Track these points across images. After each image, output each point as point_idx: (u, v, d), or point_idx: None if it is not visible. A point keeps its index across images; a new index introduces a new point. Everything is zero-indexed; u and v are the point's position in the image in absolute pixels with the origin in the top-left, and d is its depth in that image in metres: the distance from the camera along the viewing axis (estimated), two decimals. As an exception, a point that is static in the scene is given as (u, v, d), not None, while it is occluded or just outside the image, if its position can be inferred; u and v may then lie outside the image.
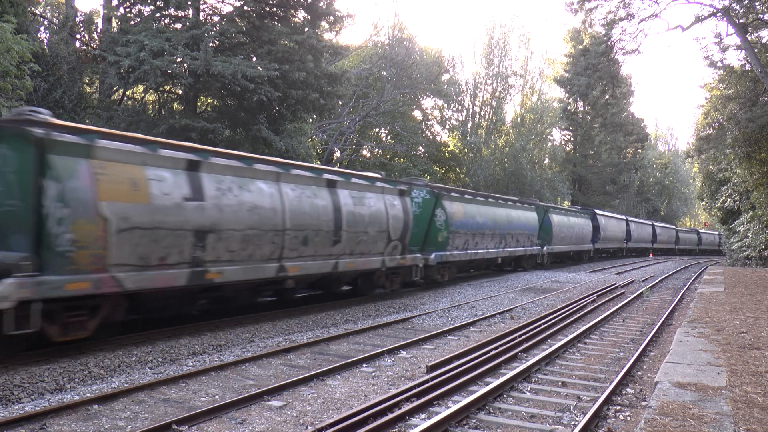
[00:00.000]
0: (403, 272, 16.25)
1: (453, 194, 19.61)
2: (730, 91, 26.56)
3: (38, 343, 8.01)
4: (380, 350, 8.86)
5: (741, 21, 23.37)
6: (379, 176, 15.75)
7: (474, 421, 5.93)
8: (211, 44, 19.39)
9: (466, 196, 21.03)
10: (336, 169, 16.81)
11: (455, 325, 11.29)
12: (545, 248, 27.81)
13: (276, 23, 21.95)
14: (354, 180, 14.17)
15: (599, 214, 37.29)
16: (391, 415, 5.77)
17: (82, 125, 9.67)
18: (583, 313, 13.34)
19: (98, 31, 23.26)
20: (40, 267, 7.54)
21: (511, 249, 23.90)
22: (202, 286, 9.99)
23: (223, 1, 22.40)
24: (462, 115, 45.10)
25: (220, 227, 9.90)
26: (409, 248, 16.14)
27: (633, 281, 22.79)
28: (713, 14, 23.26)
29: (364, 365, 8.16)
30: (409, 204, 16.26)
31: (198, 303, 10.89)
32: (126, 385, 6.89)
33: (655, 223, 55.05)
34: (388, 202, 15.06)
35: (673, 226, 64.06)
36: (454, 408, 5.86)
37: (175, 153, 9.54)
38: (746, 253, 32.66)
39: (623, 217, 44.24)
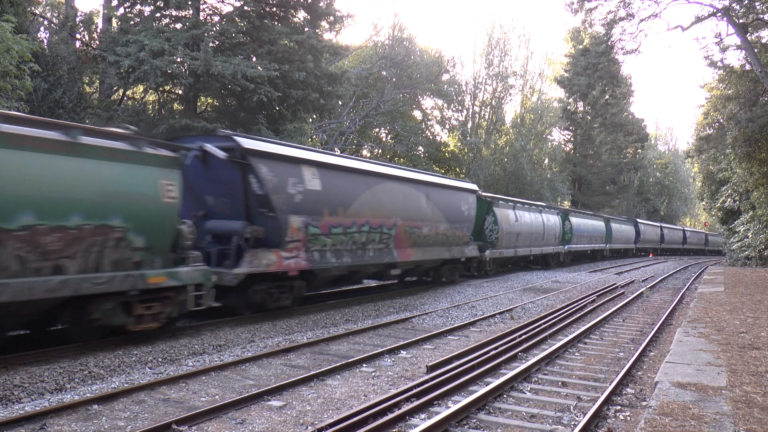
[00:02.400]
0: (557, 256, 30.67)
1: (572, 212, 34.76)
2: (730, 91, 26.56)
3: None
4: (380, 350, 8.85)
5: (741, 21, 23.37)
6: (546, 204, 31.13)
7: (474, 421, 5.92)
8: (211, 44, 19.39)
9: (576, 212, 35.80)
10: (539, 203, 30.22)
11: (455, 325, 11.29)
12: (607, 245, 39.94)
13: (276, 23, 21.95)
14: (545, 208, 29.22)
15: (640, 222, 49.44)
16: (391, 415, 5.77)
17: (492, 195, 24.55)
18: (583, 313, 13.34)
19: (98, 31, 23.27)
20: (486, 247, 21.48)
21: (593, 245, 37.01)
22: (516, 256, 24.65)
23: (223, 1, 22.41)
24: (462, 115, 45.13)
25: (521, 232, 24.24)
26: (568, 242, 31.75)
27: (633, 281, 22.78)
28: (713, 14, 23.26)
29: (364, 365, 8.16)
30: (561, 219, 30.93)
31: (510, 263, 25.98)
32: (126, 385, 6.88)
33: (686, 228, 66.01)
34: (556, 219, 29.86)
35: (703, 231, 68.24)
36: (454, 408, 5.86)
37: (508, 203, 24.09)
38: (746, 253, 32.66)
39: (658, 224, 56.62)
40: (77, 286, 7.76)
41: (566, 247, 31.28)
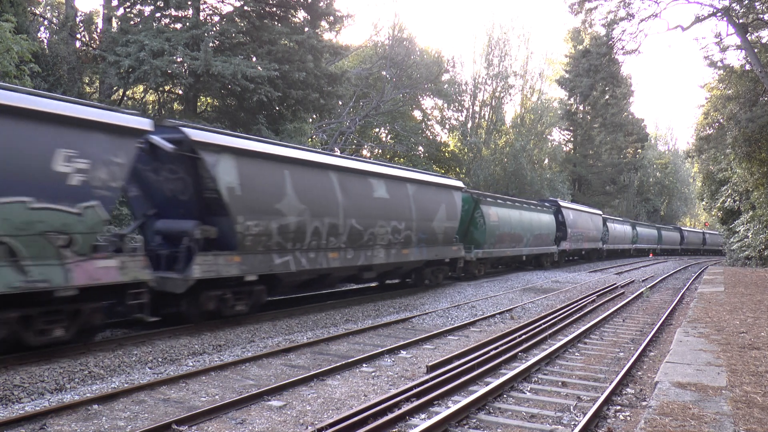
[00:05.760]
0: (628, 251, 46.32)
1: (637, 223, 50.67)
2: (730, 91, 26.56)
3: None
4: (380, 350, 8.85)
5: (741, 21, 23.35)
6: (622, 219, 47.84)
7: (474, 421, 5.92)
8: (211, 44, 19.38)
9: (639, 223, 52.01)
10: (618, 217, 46.80)
11: (455, 325, 11.29)
12: (658, 246, 54.75)
13: (276, 23, 21.95)
14: (623, 220, 46.76)
15: (684, 229, 65.32)
16: (391, 415, 5.77)
17: (605, 215, 42.90)
18: (583, 313, 13.34)
19: (98, 31, 23.25)
20: (604, 243, 39.42)
21: (650, 245, 52.51)
22: (612, 249, 41.71)
23: (223, 1, 22.42)
24: (462, 115, 45.12)
25: (616, 236, 41.91)
26: (635, 243, 48.06)
27: (633, 281, 22.79)
28: (713, 14, 23.24)
29: (364, 365, 8.16)
30: (631, 227, 47.47)
31: (605, 254, 40.98)
32: (126, 385, 6.89)
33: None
34: (629, 227, 46.55)
35: None
36: (454, 408, 5.86)
37: (610, 220, 42.08)
38: (746, 253, 32.66)
39: (701, 231, 71.84)
40: (532, 251, 26.33)
41: (634, 245, 47.63)
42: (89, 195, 8.10)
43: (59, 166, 7.72)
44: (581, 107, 55.98)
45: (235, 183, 10.37)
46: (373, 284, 17.56)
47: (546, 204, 29.68)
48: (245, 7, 21.15)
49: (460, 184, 19.23)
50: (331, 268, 12.95)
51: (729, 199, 34.09)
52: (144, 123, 9.05)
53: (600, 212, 38.31)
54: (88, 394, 6.52)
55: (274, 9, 22.23)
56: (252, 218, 10.72)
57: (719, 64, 25.96)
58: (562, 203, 31.27)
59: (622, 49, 25.60)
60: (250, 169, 10.73)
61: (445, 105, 44.02)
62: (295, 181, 11.65)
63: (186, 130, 10.04)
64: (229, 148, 10.39)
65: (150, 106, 25.16)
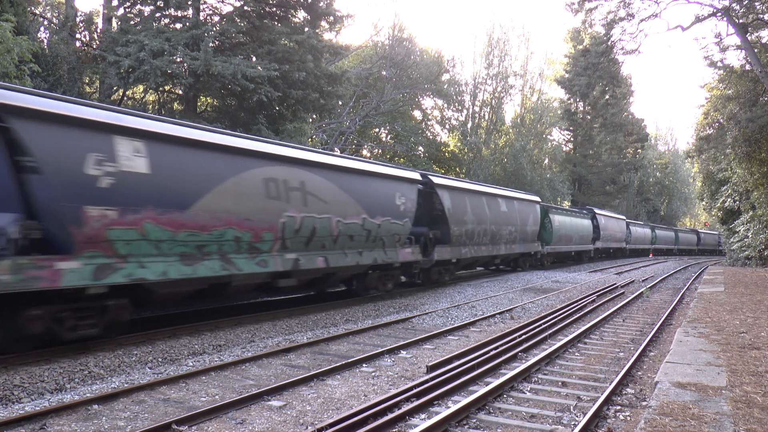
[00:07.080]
0: (647, 249, 53.27)
1: (656, 227, 57.65)
2: (730, 91, 26.56)
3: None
4: (380, 350, 8.85)
5: (741, 21, 23.37)
6: (643, 222, 54.96)
7: (474, 421, 5.92)
8: (211, 44, 19.38)
9: (658, 227, 57.40)
10: (638, 221, 54.06)
11: (455, 325, 11.28)
12: (676, 246, 62.20)
13: (276, 23, 21.95)
14: (644, 224, 53.58)
15: (701, 232, 71.89)
16: (391, 415, 5.77)
17: (629, 220, 49.40)
18: (583, 313, 13.33)
19: (98, 31, 23.26)
20: (628, 243, 45.56)
21: (667, 245, 59.24)
22: (632, 248, 47.72)
23: (223, 1, 22.42)
24: (462, 115, 45.10)
25: (637, 237, 48.08)
26: (654, 243, 55.28)
27: (633, 281, 22.78)
28: (713, 14, 23.25)
29: (364, 365, 8.16)
30: (651, 230, 54.36)
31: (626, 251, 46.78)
32: (126, 385, 6.88)
33: None
34: (649, 230, 53.68)
35: None
36: (454, 408, 5.86)
37: (632, 224, 48.02)
38: (746, 253, 32.66)
39: (716, 232, 74.32)
40: (578, 248, 33.65)
41: (653, 245, 53.85)
42: (405, 215, 15.29)
43: (397, 201, 14.99)
44: (581, 107, 55.98)
45: (450, 206, 18.03)
46: (500, 267, 25.80)
47: (584, 211, 36.77)
48: (245, 7, 21.15)
49: (539, 199, 27.42)
50: (480, 257, 20.69)
51: (729, 199, 34.10)
52: (418, 176, 16.79)
53: (624, 217, 45.23)
54: (88, 394, 6.52)
55: (274, 9, 22.23)
56: (456, 225, 18.28)
57: (719, 64, 25.99)
58: (596, 210, 38.18)
59: (621, 49, 25.63)
60: (454, 198, 18.54)
61: (445, 105, 44.01)
62: (470, 203, 19.50)
63: (431, 177, 17.73)
64: (447, 186, 18.43)
65: (150, 106, 25.16)
